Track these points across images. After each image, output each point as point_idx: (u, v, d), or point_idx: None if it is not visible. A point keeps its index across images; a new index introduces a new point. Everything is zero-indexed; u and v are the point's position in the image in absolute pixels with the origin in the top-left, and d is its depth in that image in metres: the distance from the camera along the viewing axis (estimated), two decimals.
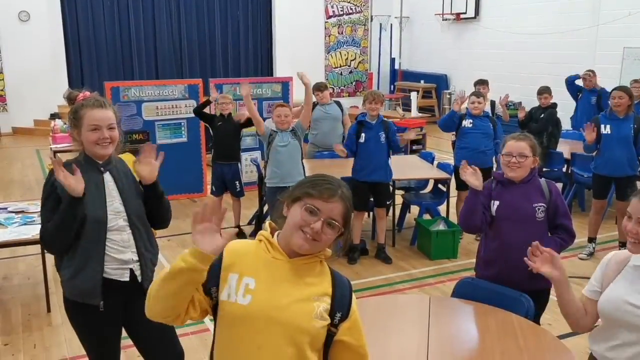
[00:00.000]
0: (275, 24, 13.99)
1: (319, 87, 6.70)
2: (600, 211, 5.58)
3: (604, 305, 2.01)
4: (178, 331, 2.84)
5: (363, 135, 5.20)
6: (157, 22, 13.02)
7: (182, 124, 7.37)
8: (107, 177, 2.47)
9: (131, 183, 2.52)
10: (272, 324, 1.67)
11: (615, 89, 5.44)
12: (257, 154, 7.72)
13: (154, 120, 7.19)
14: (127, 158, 2.62)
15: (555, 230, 3.13)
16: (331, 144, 6.61)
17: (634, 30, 9.50)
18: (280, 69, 13.55)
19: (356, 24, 14.92)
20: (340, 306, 1.74)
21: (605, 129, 5.28)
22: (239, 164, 6.06)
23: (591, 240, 5.60)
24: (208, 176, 7.77)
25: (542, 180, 3.13)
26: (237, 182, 5.95)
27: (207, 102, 6.29)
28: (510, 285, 2.96)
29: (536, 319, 2.92)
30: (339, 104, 6.93)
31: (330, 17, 14.60)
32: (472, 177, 3.08)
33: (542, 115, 6.89)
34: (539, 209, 3.02)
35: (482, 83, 7.19)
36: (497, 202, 3.09)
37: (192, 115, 6.55)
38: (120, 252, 2.45)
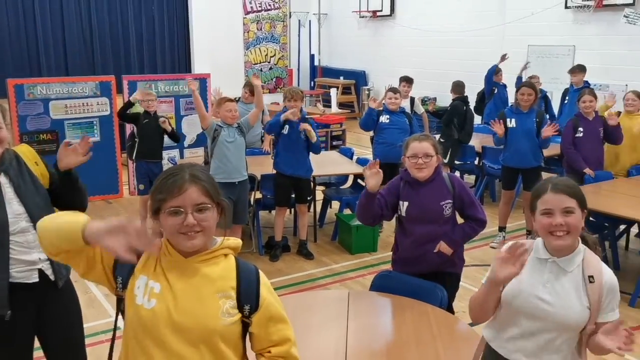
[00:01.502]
0: (192, 19, 13.68)
1: (245, 85, 6.69)
2: (509, 201, 5.87)
3: (509, 297, 2.02)
4: (92, 339, 2.73)
5: (287, 127, 5.20)
6: (65, 13, 12.29)
7: (94, 122, 7.07)
8: (3, 180, 2.32)
9: (28, 181, 2.38)
10: (179, 327, 1.64)
11: (523, 85, 5.73)
12: (175, 152, 7.54)
13: (63, 119, 6.85)
14: (23, 150, 2.47)
15: (467, 220, 3.25)
16: (250, 142, 6.57)
17: (536, 29, 10.04)
18: (199, 66, 13.28)
19: (275, 20, 14.86)
20: (247, 298, 1.71)
21: (511, 123, 5.56)
22: (162, 162, 6.03)
23: (501, 229, 5.89)
24: (124, 176, 7.53)
25: (445, 175, 3.22)
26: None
27: (129, 104, 6.06)
28: (426, 276, 3.07)
29: (450, 308, 3.04)
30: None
31: (248, 13, 14.46)
32: (372, 177, 3.04)
33: (448, 108, 7.20)
34: (446, 207, 3.13)
35: (406, 80, 7.35)
36: (406, 203, 3.16)
37: (106, 113, 6.31)
38: (25, 253, 2.32)
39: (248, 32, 14.56)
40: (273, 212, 5.87)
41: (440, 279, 3.06)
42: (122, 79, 7.38)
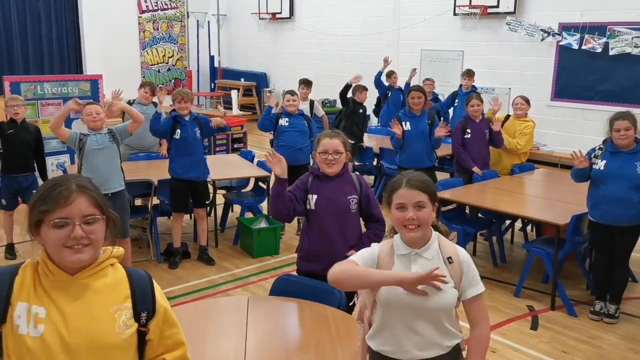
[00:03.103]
0: (83, 17, 13.01)
1: (141, 85, 6.44)
2: None
3: (385, 299, 2.05)
4: None
5: (178, 131, 5.07)
6: None
7: None
8: None
9: None
10: (75, 349, 1.53)
11: (412, 89, 5.97)
12: (65, 157, 7.12)
13: None
14: None
15: (369, 220, 3.33)
16: (146, 145, 6.36)
17: (428, 35, 10.51)
18: (91, 66, 12.65)
19: (172, 20, 14.48)
20: (143, 305, 1.65)
21: (406, 126, 5.77)
22: (35, 174, 5.44)
23: None
24: None
25: (354, 175, 3.35)
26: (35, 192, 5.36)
27: None
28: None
29: (348, 308, 3.09)
30: (155, 104, 6.66)
31: (143, 12, 13.99)
32: (276, 165, 3.16)
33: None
34: (352, 201, 3.22)
35: (305, 83, 7.40)
36: (315, 196, 3.23)
37: None
38: None
39: (144, 32, 14.09)
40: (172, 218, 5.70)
41: None
42: (4, 80, 6.86)
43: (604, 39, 8.33)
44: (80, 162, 4.59)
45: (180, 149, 5.09)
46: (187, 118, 5.12)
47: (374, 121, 10.11)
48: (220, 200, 6.23)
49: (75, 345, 1.54)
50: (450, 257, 2.07)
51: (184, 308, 3.25)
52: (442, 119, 7.18)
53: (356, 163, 7.77)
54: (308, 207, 3.23)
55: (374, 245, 2.18)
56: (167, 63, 14.63)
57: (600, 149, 4.25)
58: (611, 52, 8.26)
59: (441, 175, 7.71)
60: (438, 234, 2.12)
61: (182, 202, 5.27)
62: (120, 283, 1.65)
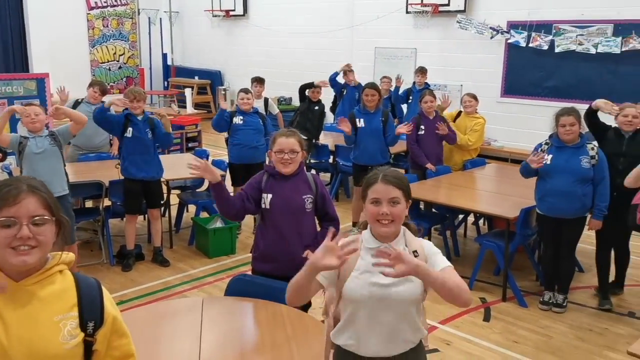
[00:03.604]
0: (28, 14, 12.58)
1: (90, 84, 6.27)
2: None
3: (352, 292, 2.05)
4: None
5: (130, 130, 4.96)
6: None
7: None
8: None
9: None
10: None
11: (366, 86, 6.02)
12: (11, 159, 6.87)
13: None
14: None
15: (324, 219, 3.33)
16: (96, 146, 6.21)
17: (382, 32, 10.60)
18: (38, 65, 12.24)
19: (123, 17, 14.16)
20: (91, 314, 1.60)
21: (360, 123, 5.81)
22: None
23: (355, 224, 6.13)
24: None
25: (309, 174, 3.33)
26: None
27: None
28: (286, 276, 3.09)
29: (304, 306, 3.09)
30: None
31: (92, 8, 13.63)
32: (205, 172, 3.16)
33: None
34: (307, 200, 3.21)
35: (258, 81, 7.37)
36: (270, 195, 3.20)
37: None
38: None
39: (93, 29, 13.74)
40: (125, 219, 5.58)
41: None
42: None
43: (550, 37, 8.59)
44: (21, 166, 4.45)
45: (132, 148, 4.99)
46: (139, 117, 5.02)
47: (330, 119, 10.14)
48: (174, 200, 6.14)
49: (15, 355, 1.48)
50: (415, 251, 2.09)
51: (137, 311, 3.19)
52: (396, 116, 7.30)
53: (312, 160, 7.79)
54: (263, 206, 3.21)
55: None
56: (118, 61, 14.31)
57: (546, 144, 4.38)
58: (557, 50, 8.52)
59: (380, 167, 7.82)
60: (405, 229, 2.14)
61: (135, 202, 5.16)
62: (67, 291, 1.60)
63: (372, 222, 2.09)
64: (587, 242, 4.95)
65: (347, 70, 8.59)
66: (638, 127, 4.36)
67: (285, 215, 3.19)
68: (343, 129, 5.76)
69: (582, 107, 4.72)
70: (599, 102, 4.48)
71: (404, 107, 8.47)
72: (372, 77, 9.98)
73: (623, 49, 7.93)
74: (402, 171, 7.09)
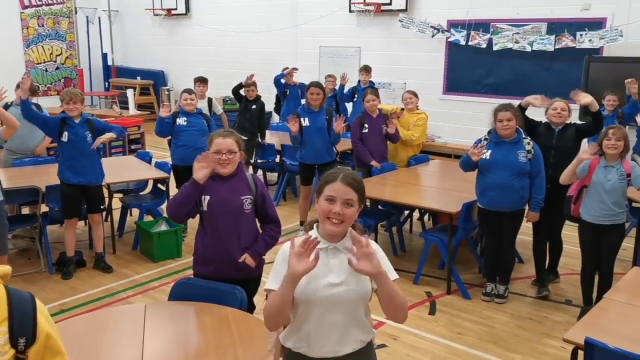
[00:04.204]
0: None
1: (18, 86, 5.99)
2: (308, 196, 6.15)
3: (304, 294, 2.03)
4: None
5: (66, 134, 4.80)
6: None
7: None
8: None
9: None
10: None
11: (310, 85, 6.02)
12: None
13: None
14: None
15: (264, 221, 3.30)
16: (30, 149, 5.99)
17: (326, 31, 10.65)
18: None
19: (59, 16, 13.67)
20: (22, 330, 1.51)
21: (305, 122, 5.82)
22: None
23: (302, 223, 6.14)
24: None
25: (249, 175, 3.30)
26: None
27: None
28: (226, 278, 3.06)
29: (250, 308, 3.07)
30: (38, 106, 6.25)
31: (26, 7, 13.10)
32: (201, 170, 3.09)
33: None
34: (246, 201, 3.17)
35: (201, 80, 7.26)
36: (207, 197, 3.15)
37: None
38: None
39: (27, 28, 13.21)
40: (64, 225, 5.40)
41: (241, 283, 3.07)
42: None
43: (488, 36, 8.83)
44: None
45: (69, 153, 4.82)
46: (77, 120, 4.85)
47: (276, 118, 10.11)
48: (117, 204, 5.98)
49: None
50: None
51: (77, 320, 3.09)
52: (339, 114, 7.33)
53: (259, 160, 7.74)
54: (201, 208, 3.17)
55: (285, 245, 2.14)
56: (55, 61, 13.81)
57: (485, 139, 4.50)
58: (495, 48, 8.77)
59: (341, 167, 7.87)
60: (351, 229, 2.13)
61: (74, 208, 5.00)
62: (1, 303, 1.52)
63: (322, 219, 2.08)
64: (526, 234, 5.12)
65: (289, 72, 8.61)
66: (567, 121, 4.54)
67: (223, 217, 3.14)
68: (290, 127, 5.76)
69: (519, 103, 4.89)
70: (529, 98, 4.66)
71: (349, 105, 8.54)
72: (317, 75, 10.02)
73: (556, 47, 8.23)
74: (349, 169, 7.17)
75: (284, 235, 6.00)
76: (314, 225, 2.14)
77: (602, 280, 4.20)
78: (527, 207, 4.50)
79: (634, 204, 5.05)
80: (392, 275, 2.07)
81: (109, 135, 4.99)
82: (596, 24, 7.96)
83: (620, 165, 4.02)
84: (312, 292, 2.04)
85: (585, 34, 7.99)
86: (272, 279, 2.05)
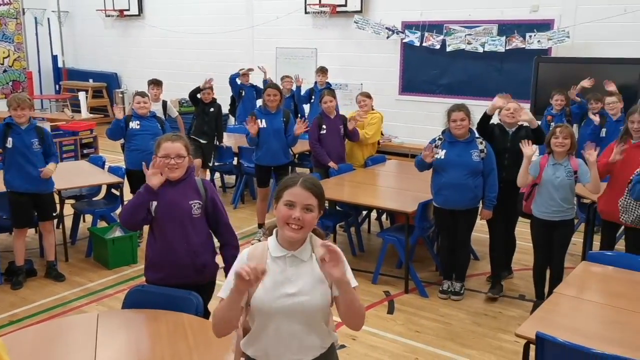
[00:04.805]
0: None
1: None
2: (266, 198, 6.12)
3: (260, 304, 2.02)
4: None
5: (10, 140, 4.63)
6: None
7: None
8: None
9: None
10: None
11: (268, 86, 6.01)
12: None
13: None
14: None
15: (217, 226, 3.22)
16: None
17: (282, 33, 10.62)
18: None
19: (5, 16, 13.20)
20: None
21: (262, 123, 5.79)
22: None
23: (261, 226, 6.10)
24: None
25: (198, 179, 3.25)
26: None
27: None
28: (178, 284, 3.01)
29: (206, 314, 3.03)
30: None
31: None
32: (157, 177, 3.04)
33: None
34: (194, 206, 3.11)
35: (155, 83, 7.13)
36: (155, 202, 3.09)
37: None
38: None
39: None
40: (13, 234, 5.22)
41: (195, 289, 3.02)
42: None
43: (442, 37, 8.98)
44: None
45: (14, 160, 4.65)
46: (23, 127, 4.69)
47: (232, 120, 10.03)
48: (69, 210, 5.82)
49: None
50: (323, 258, 2.07)
51: (27, 332, 2.98)
52: (299, 115, 7.33)
53: (216, 163, 7.66)
54: (150, 214, 3.11)
55: (242, 253, 2.10)
56: (3, 64, 13.34)
57: (440, 139, 4.57)
58: (448, 49, 8.92)
59: (301, 171, 7.87)
60: (312, 235, 2.12)
61: (24, 216, 4.83)
62: None
63: (281, 225, 2.04)
64: (481, 231, 5.23)
65: (245, 72, 8.58)
66: (520, 123, 4.63)
67: (171, 222, 3.08)
68: (249, 129, 5.72)
69: (472, 103, 4.98)
70: (496, 103, 4.51)
71: (307, 107, 8.54)
72: (274, 77, 9.96)
73: (507, 48, 8.43)
74: (307, 170, 7.20)
75: (243, 238, 6.04)
76: (274, 231, 2.11)
77: (554, 275, 4.32)
78: (481, 205, 4.58)
79: (582, 200, 5.23)
80: (353, 282, 2.07)
81: (52, 166, 4.79)
82: (544, 26, 8.20)
83: (567, 163, 4.14)
84: (269, 303, 2.01)
85: (534, 35, 8.21)
86: (224, 287, 2.03)
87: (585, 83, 6.74)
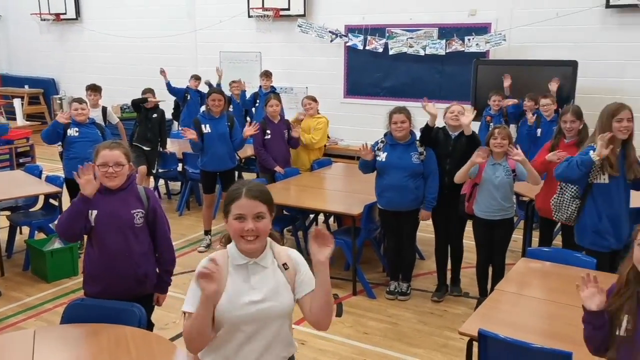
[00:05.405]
0: None
1: None
2: (212, 204, 6.03)
3: (224, 312, 1.99)
4: None
5: None
6: None
7: None
8: None
9: None
10: None
11: (212, 91, 5.93)
12: None
13: None
14: None
15: (156, 235, 3.14)
16: None
17: (226, 36, 10.52)
18: None
19: None
20: None
21: (206, 128, 5.71)
22: None
23: (207, 232, 6.02)
24: None
25: (141, 188, 3.17)
26: None
27: None
28: (119, 296, 2.93)
29: (149, 326, 2.96)
30: None
31: None
32: (90, 185, 2.91)
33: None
34: (137, 215, 3.03)
35: (93, 89, 6.92)
36: (95, 211, 2.99)
37: None
38: None
39: None
40: None
41: (137, 300, 2.95)
42: None
43: (384, 40, 9.10)
44: None
45: None
46: None
47: (176, 126, 9.86)
48: (4, 222, 5.58)
49: None
50: (285, 264, 2.09)
51: None
52: (248, 119, 7.28)
53: (160, 170, 7.52)
54: (89, 223, 3.01)
55: (202, 261, 2.04)
56: None
57: (382, 141, 4.63)
58: (391, 52, 9.06)
59: (247, 176, 7.82)
60: (271, 241, 2.12)
61: None
62: None
63: (236, 240, 2.04)
64: (426, 231, 5.32)
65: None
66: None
67: (112, 232, 2.98)
68: (188, 137, 5.63)
69: (415, 105, 5.05)
70: (430, 111, 4.42)
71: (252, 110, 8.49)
72: (219, 81, 9.85)
73: (447, 51, 8.63)
74: (254, 175, 7.15)
75: (189, 245, 5.94)
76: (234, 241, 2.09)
77: (496, 272, 4.44)
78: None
79: (521, 198, 5.40)
80: (313, 284, 2.08)
81: None
82: (482, 29, 8.43)
83: (506, 162, 4.27)
84: (234, 312, 2.00)
85: (473, 39, 8.44)
86: (188, 300, 2.00)
87: (506, 83, 7.25)
